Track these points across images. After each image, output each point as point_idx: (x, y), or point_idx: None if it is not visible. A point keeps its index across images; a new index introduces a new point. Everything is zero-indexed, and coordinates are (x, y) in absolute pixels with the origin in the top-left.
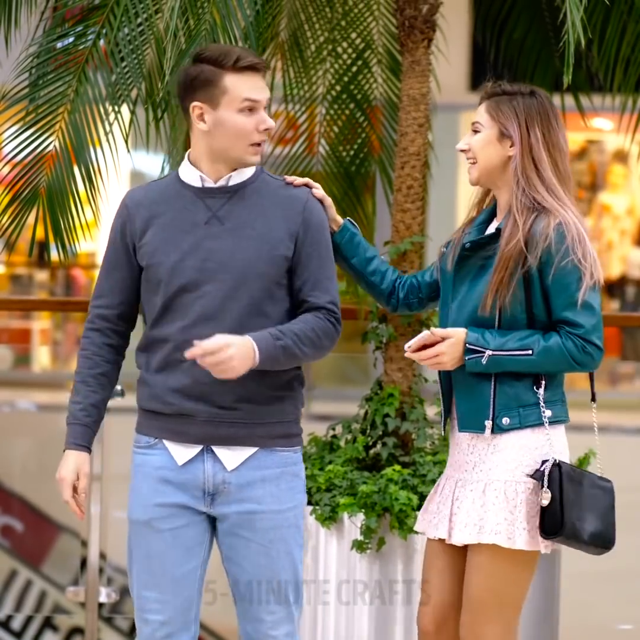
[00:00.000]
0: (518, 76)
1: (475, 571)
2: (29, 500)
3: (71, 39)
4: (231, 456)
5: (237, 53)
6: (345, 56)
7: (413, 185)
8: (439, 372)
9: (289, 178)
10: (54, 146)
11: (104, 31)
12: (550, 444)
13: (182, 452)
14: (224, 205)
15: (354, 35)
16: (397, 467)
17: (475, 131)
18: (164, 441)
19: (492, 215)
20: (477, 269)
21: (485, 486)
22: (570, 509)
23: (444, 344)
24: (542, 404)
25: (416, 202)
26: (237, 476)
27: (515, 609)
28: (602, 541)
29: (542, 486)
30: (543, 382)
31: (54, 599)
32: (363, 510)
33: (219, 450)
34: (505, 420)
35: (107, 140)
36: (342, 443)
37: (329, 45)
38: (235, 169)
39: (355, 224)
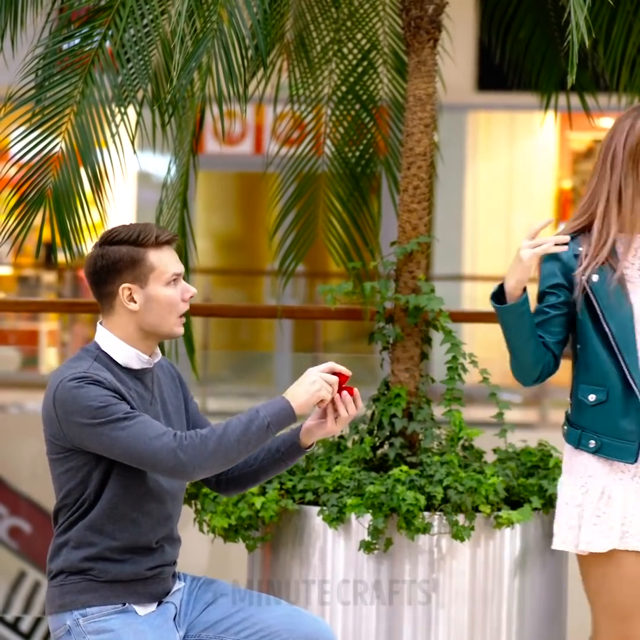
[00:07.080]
0: (524, 76)
1: None
2: (36, 502)
3: (77, 41)
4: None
5: (153, 230)
6: (350, 56)
7: (419, 186)
8: None
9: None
10: (61, 148)
11: (110, 32)
12: None
13: (145, 610)
14: (153, 383)
15: (359, 35)
16: (405, 468)
17: None
18: (128, 603)
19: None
20: None
21: None
22: None
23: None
24: None
25: (422, 202)
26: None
27: None
28: None
29: None
30: None
31: None
32: (370, 510)
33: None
34: None
35: (114, 141)
36: (349, 444)
37: (335, 45)
38: (158, 343)
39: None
